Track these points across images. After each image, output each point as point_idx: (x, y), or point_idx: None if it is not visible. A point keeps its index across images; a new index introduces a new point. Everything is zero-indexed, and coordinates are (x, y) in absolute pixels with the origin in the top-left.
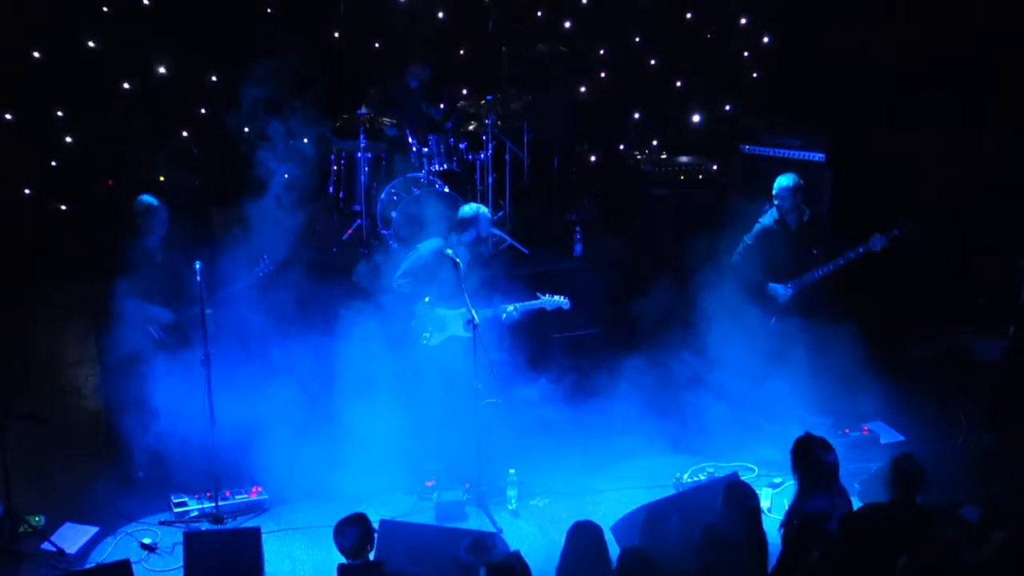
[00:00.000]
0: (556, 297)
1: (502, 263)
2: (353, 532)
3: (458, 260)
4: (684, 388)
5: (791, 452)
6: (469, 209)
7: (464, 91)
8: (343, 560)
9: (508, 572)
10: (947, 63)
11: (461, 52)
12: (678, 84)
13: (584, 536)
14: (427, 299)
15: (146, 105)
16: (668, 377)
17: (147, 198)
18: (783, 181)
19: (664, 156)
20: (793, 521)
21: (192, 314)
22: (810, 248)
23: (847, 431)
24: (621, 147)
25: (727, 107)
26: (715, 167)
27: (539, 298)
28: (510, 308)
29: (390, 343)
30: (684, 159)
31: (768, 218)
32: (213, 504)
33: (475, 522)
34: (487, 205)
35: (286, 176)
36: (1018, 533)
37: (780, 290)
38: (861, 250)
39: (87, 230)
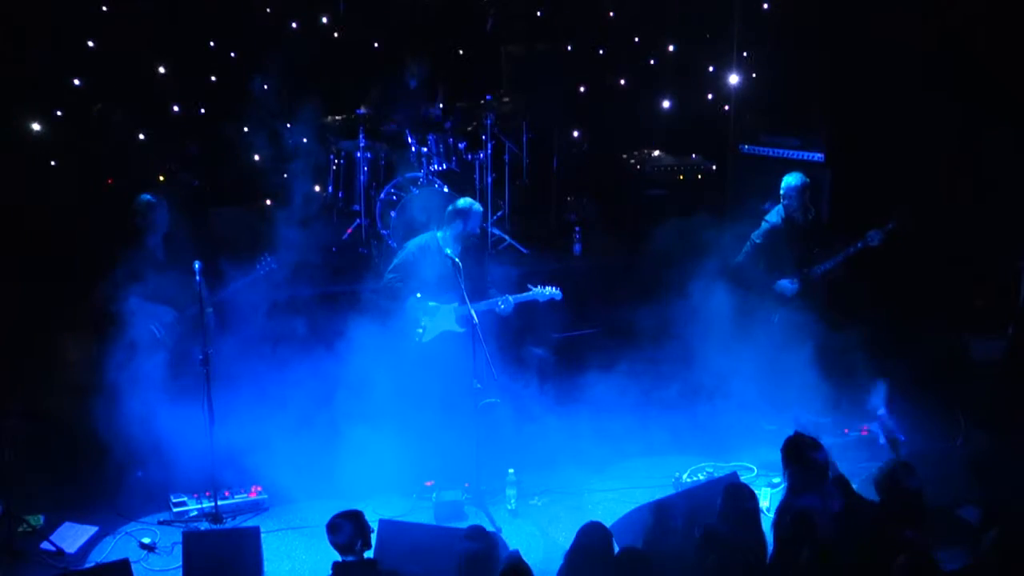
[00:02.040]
0: (548, 288)
1: (501, 262)
2: (347, 527)
3: (456, 259)
4: (683, 388)
5: (781, 451)
6: (463, 202)
7: (463, 91)
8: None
9: (522, 572)
10: (947, 62)
11: (461, 52)
12: (677, 84)
13: (593, 537)
14: (418, 295)
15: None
16: (667, 377)
17: (147, 196)
18: (791, 180)
19: (663, 156)
20: (784, 518)
21: (193, 313)
22: (812, 246)
23: (846, 431)
24: (620, 146)
25: (726, 107)
26: (714, 167)
27: (531, 290)
28: (500, 301)
29: (389, 341)
30: (683, 159)
31: (775, 216)
32: (212, 503)
33: (474, 521)
34: (486, 205)
35: (285, 176)
36: (1012, 530)
37: (787, 285)
38: (860, 245)
39: (87, 229)
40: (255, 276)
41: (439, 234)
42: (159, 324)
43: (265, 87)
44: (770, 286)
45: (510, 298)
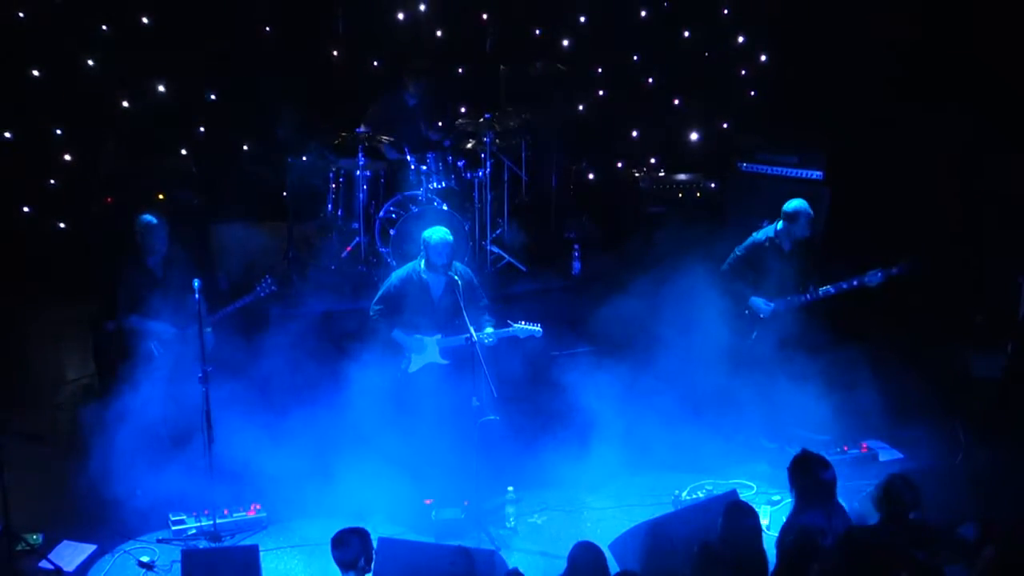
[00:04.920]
0: (529, 325)
1: (500, 281)
2: (355, 543)
3: (456, 277)
4: (682, 405)
5: (789, 469)
6: (424, 232)
7: (462, 109)
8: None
9: None
10: (947, 79)
11: (460, 70)
12: (676, 102)
13: (586, 557)
14: (399, 328)
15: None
16: (666, 394)
17: (148, 217)
18: (807, 207)
19: (662, 174)
20: (788, 536)
21: (192, 331)
22: (802, 269)
23: (845, 448)
24: (619, 165)
25: (724, 125)
26: (713, 185)
27: (511, 326)
28: (487, 332)
29: (384, 365)
30: (682, 177)
31: (761, 235)
32: (211, 522)
33: (473, 540)
34: (485, 223)
35: (285, 194)
36: (1008, 549)
37: (762, 304)
38: (855, 283)
39: (86, 248)
40: (255, 296)
41: (421, 263)
42: (158, 342)
43: (264, 105)
44: (745, 300)
45: (492, 332)
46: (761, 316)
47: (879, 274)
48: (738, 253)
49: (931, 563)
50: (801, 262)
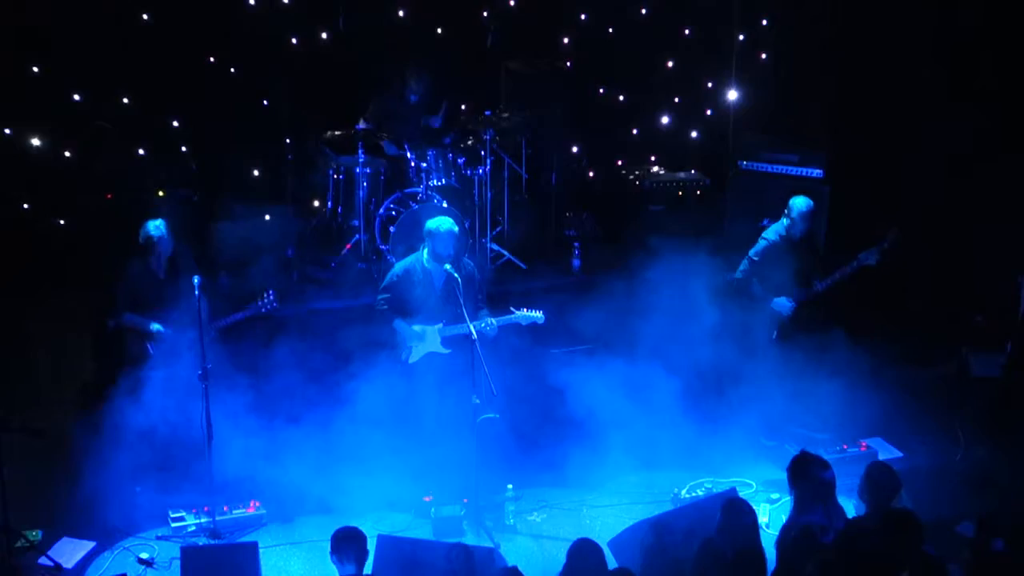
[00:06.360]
0: (530, 312)
1: (500, 278)
2: (352, 538)
3: (455, 274)
4: (682, 403)
5: (788, 469)
6: (430, 223)
7: (463, 106)
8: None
9: None
10: (947, 79)
11: (460, 67)
12: (676, 100)
13: (585, 555)
14: (402, 317)
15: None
16: (666, 392)
17: (151, 228)
18: (804, 203)
19: (662, 172)
20: (790, 534)
21: (192, 331)
22: (807, 263)
23: (845, 447)
24: (619, 162)
25: (725, 123)
26: (712, 183)
27: (513, 313)
28: (483, 324)
29: (385, 358)
30: (682, 175)
31: (773, 234)
32: (211, 519)
33: (473, 537)
34: (485, 220)
35: (285, 191)
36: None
37: (784, 303)
38: (855, 265)
39: (86, 245)
40: (255, 311)
41: (424, 254)
42: (157, 341)
43: (265, 102)
44: (767, 304)
45: (492, 321)
46: (784, 314)
47: (872, 253)
48: (754, 258)
49: (934, 560)
50: (807, 257)
